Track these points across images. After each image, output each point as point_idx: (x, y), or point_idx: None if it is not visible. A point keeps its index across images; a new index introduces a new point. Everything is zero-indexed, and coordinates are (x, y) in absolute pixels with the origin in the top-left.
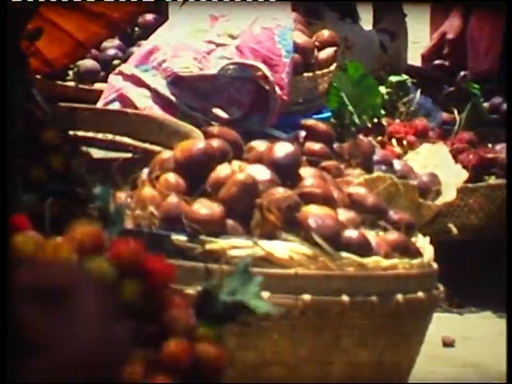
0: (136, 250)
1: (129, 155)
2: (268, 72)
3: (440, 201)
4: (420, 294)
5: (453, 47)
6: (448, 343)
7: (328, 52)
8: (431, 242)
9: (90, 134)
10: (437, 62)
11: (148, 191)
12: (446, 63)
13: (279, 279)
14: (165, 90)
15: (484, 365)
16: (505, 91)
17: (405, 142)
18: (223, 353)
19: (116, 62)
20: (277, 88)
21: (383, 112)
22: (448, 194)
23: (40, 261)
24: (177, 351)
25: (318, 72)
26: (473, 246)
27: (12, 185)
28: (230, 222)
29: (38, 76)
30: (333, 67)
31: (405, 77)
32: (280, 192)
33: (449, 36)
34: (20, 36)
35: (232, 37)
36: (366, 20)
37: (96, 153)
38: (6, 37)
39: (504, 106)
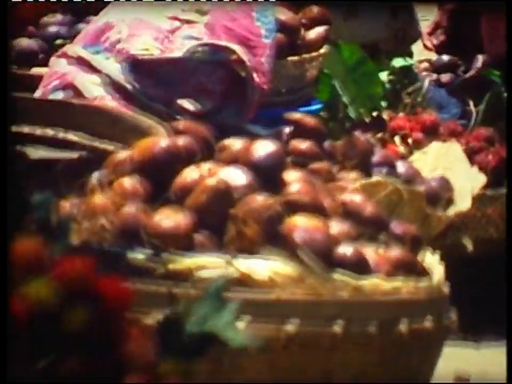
0: (84, 270)
1: (75, 155)
2: (244, 56)
3: (452, 211)
4: (427, 323)
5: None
6: (462, 382)
7: (318, 31)
8: (442, 260)
9: (26, 130)
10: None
11: (99, 199)
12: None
13: (257, 305)
14: (120, 77)
15: None
16: (505, 91)
17: (410, 140)
18: None
19: (58, 41)
20: (255, 75)
21: (384, 104)
22: (462, 203)
23: None
24: None
25: (306, 56)
26: (492, 263)
27: None
28: (198, 236)
29: None
30: (323, 50)
31: (410, 61)
32: (259, 200)
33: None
34: None
35: (201, 13)
36: None
37: (35, 153)
38: (6, 37)
39: None
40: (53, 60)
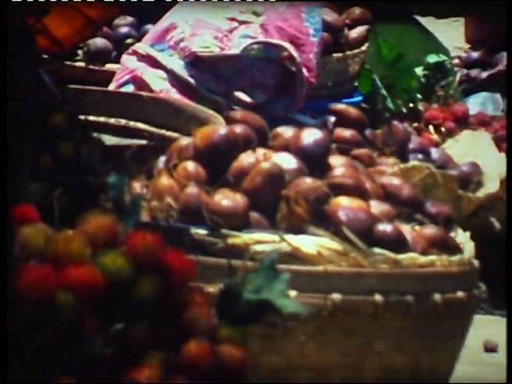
0: (153, 244)
1: (144, 142)
2: (294, 53)
3: (482, 193)
4: (460, 294)
5: None
6: (490, 348)
7: (360, 30)
8: (472, 237)
9: (102, 119)
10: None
11: (165, 181)
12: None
13: (307, 277)
14: (182, 72)
15: None
16: (505, 91)
17: (443, 129)
18: (246, 356)
19: (129, 41)
20: (304, 70)
21: (419, 96)
22: (491, 185)
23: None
24: (197, 353)
25: (349, 53)
26: None
27: (18, 174)
28: (254, 214)
29: (46, 56)
30: (364, 47)
31: (443, 57)
32: (308, 182)
33: None
34: (25, 12)
35: (256, 14)
36: None
37: (109, 140)
38: (6, 37)
39: None
40: (124, 57)
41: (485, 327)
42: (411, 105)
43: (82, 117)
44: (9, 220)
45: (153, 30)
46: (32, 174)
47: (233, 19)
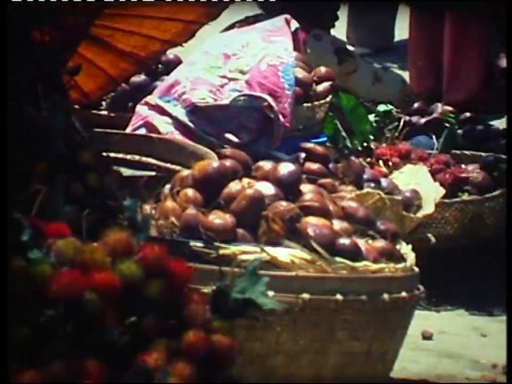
0: (160, 254)
1: (153, 173)
2: (273, 103)
3: (420, 214)
4: (403, 294)
5: None
6: (426, 336)
7: (325, 85)
8: (413, 249)
9: (120, 155)
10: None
11: (169, 204)
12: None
13: (282, 280)
14: (184, 118)
15: (458, 355)
16: (505, 91)
17: (390, 163)
18: (233, 343)
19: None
20: (280, 117)
21: (371, 137)
22: (428, 208)
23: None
24: (195, 341)
25: (316, 103)
26: (449, 253)
27: (55, 199)
28: (240, 231)
29: (77, 106)
30: (328, 98)
31: (390, 107)
32: (283, 205)
33: None
34: (61, 72)
35: (243, 73)
36: None
37: (125, 172)
38: (6, 37)
39: (476, 130)
40: (138, 107)
41: (423, 320)
42: (365, 144)
43: (105, 154)
44: (8, 221)
45: (161, 85)
46: (66, 199)
47: (224, 76)
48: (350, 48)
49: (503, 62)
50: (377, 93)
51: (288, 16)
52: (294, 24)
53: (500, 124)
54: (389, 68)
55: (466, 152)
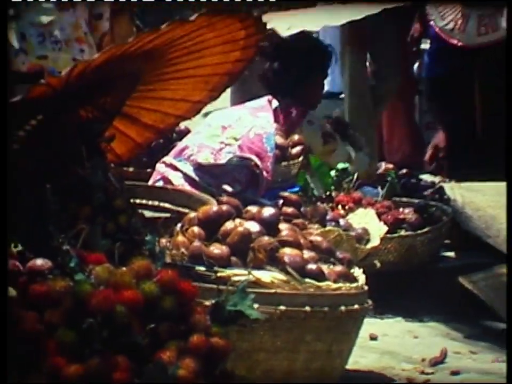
0: (172, 277)
1: (168, 215)
2: (258, 162)
3: (369, 246)
4: (356, 306)
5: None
6: (373, 338)
7: (298, 148)
8: (363, 272)
9: (144, 202)
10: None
11: (180, 238)
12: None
13: (264, 296)
14: (192, 174)
15: (396, 352)
16: (505, 91)
17: (346, 207)
18: (227, 344)
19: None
20: (264, 172)
21: (333, 187)
22: (374, 241)
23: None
24: (198, 343)
25: (291, 162)
26: (390, 275)
27: (95, 235)
28: (233, 258)
29: (112, 165)
30: (300, 159)
31: (347, 165)
32: (265, 239)
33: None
34: (100, 140)
35: (236, 139)
36: None
37: (147, 214)
38: (6, 38)
39: (410, 183)
40: (157, 165)
41: (370, 325)
42: (328, 193)
43: (132, 201)
44: (7, 229)
45: (175, 148)
46: (103, 235)
47: (221, 142)
48: (334, 133)
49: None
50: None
51: (269, 97)
52: (275, 104)
53: (427, 177)
54: (362, 148)
55: (403, 199)
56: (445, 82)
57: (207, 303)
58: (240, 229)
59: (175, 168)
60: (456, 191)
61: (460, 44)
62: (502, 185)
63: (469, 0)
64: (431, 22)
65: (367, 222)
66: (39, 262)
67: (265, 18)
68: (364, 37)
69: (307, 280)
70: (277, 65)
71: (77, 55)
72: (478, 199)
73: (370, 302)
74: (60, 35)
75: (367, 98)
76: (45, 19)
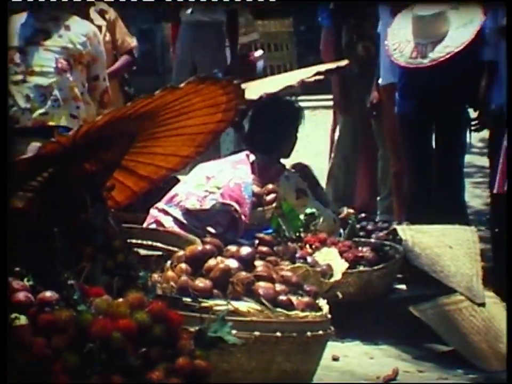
0: (162, 308)
1: (160, 253)
2: (238, 208)
3: (332, 280)
4: (320, 332)
5: None
6: (335, 359)
7: (271, 196)
8: (327, 303)
9: (139, 242)
10: None
11: (170, 273)
12: None
13: (241, 323)
14: (181, 218)
15: (354, 371)
16: (506, 91)
17: (313, 247)
18: (209, 366)
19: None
20: (242, 217)
21: (301, 229)
22: (337, 276)
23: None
24: (184, 364)
25: (266, 208)
26: (350, 305)
27: (95, 272)
28: (215, 291)
29: (112, 210)
30: (274, 205)
31: (314, 210)
32: (243, 274)
33: None
34: (102, 189)
35: (218, 188)
36: None
37: (142, 252)
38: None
39: (368, 225)
40: (151, 210)
41: (333, 348)
42: (297, 234)
43: (129, 241)
44: (7, 229)
45: (166, 196)
46: (103, 271)
47: (206, 191)
48: (307, 190)
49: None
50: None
51: (247, 152)
52: (252, 158)
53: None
54: (328, 205)
55: (362, 239)
56: (409, 120)
57: (192, 329)
58: (221, 265)
59: (166, 213)
60: (407, 232)
61: (395, 61)
62: (447, 228)
63: (469, 1)
64: (392, 58)
65: (331, 259)
66: (48, 294)
67: (243, 85)
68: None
69: (278, 309)
70: (254, 127)
71: (74, 112)
72: (425, 239)
73: (332, 328)
74: (59, 94)
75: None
76: (46, 81)
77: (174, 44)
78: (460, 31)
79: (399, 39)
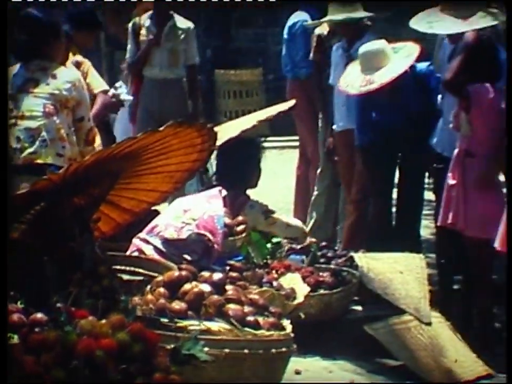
0: (141, 328)
1: (141, 278)
2: (211, 237)
3: (295, 302)
4: (284, 349)
5: None
6: (297, 372)
7: (241, 227)
8: (291, 323)
9: (122, 268)
10: None
11: (149, 297)
12: None
13: (212, 342)
14: (160, 246)
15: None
16: (506, 91)
17: (279, 272)
18: (182, 380)
19: None
20: (215, 245)
21: (269, 257)
22: (300, 299)
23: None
24: (160, 379)
25: (236, 237)
26: (311, 325)
27: (81, 297)
28: (190, 312)
29: (98, 239)
30: (243, 234)
31: (280, 239)
32: (215, 297)
33: None
34: (89, 221)
35: (194, 220)
36: None
37: (125, 277)
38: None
39: (328, 253)
40: (133, 239)
41: (295, 363)
42: (264, 261)
43: (113, 267)
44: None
45: (147, 227)
46: (88, 295)
47: (183, 222)
48: (271, 209)
49: None
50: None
51: (220, 188)
52: (224, 193)
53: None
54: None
55: (323, 265)
56: (369, 152)
57: (168, 347)
58: (195, 289)
59: (147, 242)
60: (362, 259)
61: (350, 93)
62: (398, 255)
63: (469, 1)
64: (346, 92)
65: (294, 283)
66: (38, 316)
67: (215, 128)
68: None
69: (246, 329)
70: (221, 165)
71: (60, 151)
72: (379, 266)
73: (295, 345)
74: (47, 136)
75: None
76: (35, 124)
77: (136, 94)
78: (401, 61)
79: (349, 78)
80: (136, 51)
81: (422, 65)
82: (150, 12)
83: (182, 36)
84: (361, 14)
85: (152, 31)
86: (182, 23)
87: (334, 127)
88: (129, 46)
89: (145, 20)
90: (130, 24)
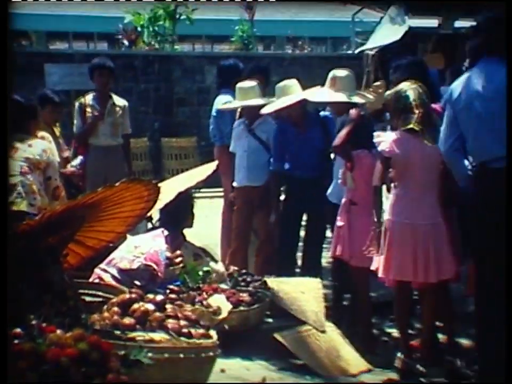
0: (97, 339)
1: (101, 299)
2: (156, 268)
3: (220, 317)
4: (211, 354)
5: None
6: (222, 370)
7: (179, 259)
8: (217, 333)
9: (85, 292)
10: None
11: (106, 314)
12: None
13: (155, 349)
14: (116, 274)
15: (236, 379)
16: (506, 92)
17: (208, 294)
18: (131, 378)
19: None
20: (159, 274)
21: (200, 282)
22: (224, 314)
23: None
24: (112, 379)
25: (175, 267)
26: (233, 334)
27: (51, 314)
28: (137, 326)
29: (67, 270)
30: (181, 265)
31: (209, 268)
32: (157, 314)
33: None
34: (60, 256)
35: (143, 254)
36: None
37: (87, 299)
38: (6, 37)
39: (248, 278)
40: (95, 269)
41: (221, 363)
42: (197, 285)
43: (79, 291)
44: (8, 230)
45: (106, 259)
46: (58, 313)
47: (134, 256)
48: (201, 253)
49: None
50: None
51: (162, 229)
52: (166, 233)
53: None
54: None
55: (243, 288)
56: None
57: (119, 353)
58: (142, 308)
59: (106, 271)
60: (273, 283)
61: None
62: (300, 279)
63: (469, 1)
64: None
65: (220, 302)
66: (17, 330)
67: (160, 184)
68: None
69: (182, 338)
70: (164, 212)
71: (32, 201)
72: (286, 287)
73: (220, 350)
74: (22, 190)
75: None
76: (13, 180)
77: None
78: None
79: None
80: (82, 125)
81: (326, 112)
82: (93, 94)
83: (120, 112)
84: (258, 101)
85: (96, 109)
86: (119, 101)
87: (234, 183)
88: (75, 121)
89: (89, 100)
90: (76, 104)
